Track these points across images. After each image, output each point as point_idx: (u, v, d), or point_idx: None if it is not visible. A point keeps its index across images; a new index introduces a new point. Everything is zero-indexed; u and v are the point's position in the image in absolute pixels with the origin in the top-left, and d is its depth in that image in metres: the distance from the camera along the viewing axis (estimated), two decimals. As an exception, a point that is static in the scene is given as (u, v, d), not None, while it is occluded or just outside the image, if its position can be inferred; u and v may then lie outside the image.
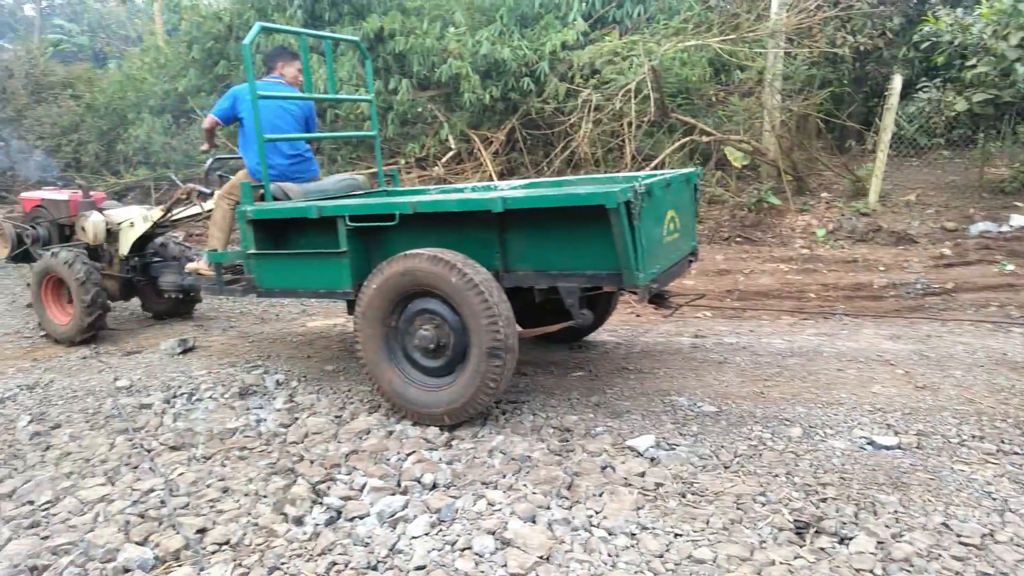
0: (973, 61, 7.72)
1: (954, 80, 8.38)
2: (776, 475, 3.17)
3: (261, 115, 4.43)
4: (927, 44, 8.36)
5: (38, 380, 4.91)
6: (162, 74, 11.99)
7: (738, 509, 2.90)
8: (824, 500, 2.94)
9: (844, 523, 2.75)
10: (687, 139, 8.47)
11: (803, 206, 8.42)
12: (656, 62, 8.01)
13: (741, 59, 8.82)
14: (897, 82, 8.00)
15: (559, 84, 9.09)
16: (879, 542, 2.62)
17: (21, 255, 6.46)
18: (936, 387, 4.20)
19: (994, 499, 2.91)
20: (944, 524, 2.73)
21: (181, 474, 3.42)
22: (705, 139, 8.49)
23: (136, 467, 3.53)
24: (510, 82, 9.41)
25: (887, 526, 2.72)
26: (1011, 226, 7.40)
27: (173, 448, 3.74)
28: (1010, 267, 6.66)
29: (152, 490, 3.26)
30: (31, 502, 3.21)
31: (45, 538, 2.90)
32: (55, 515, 3.09)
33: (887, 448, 3.40)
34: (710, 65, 9.02)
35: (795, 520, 2.79)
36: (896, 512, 2.83)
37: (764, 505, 2.92)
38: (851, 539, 2.65)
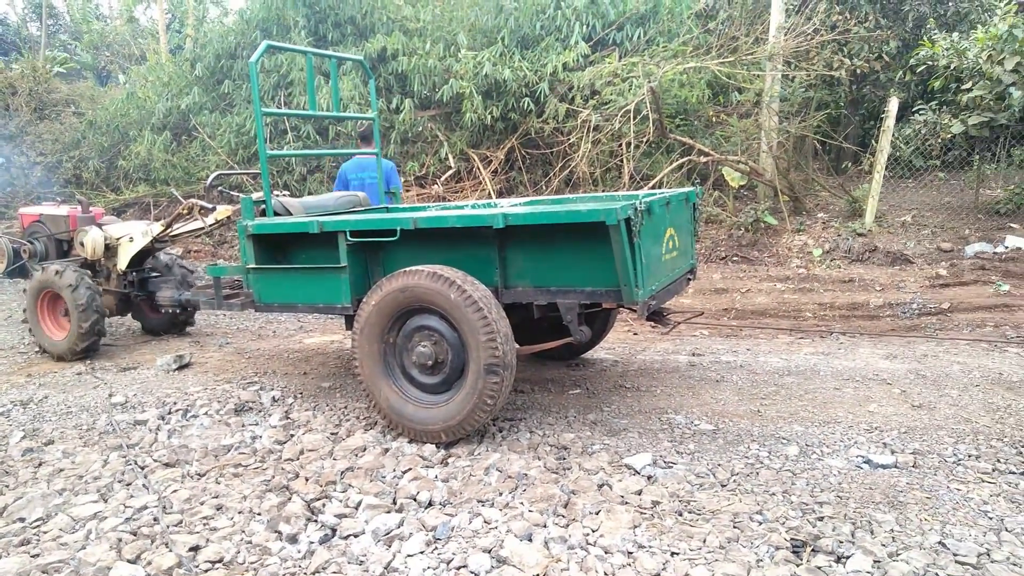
0: (969, 85, 7.82)
1: (950, 103, 8.48)
2: (773, 494, 3.16)
3: (354, 174, 6.04)
4: (923, 68, 8.47)
5: (32, 396, 4.89)
6: (165, 92, 12.07)
7: (735, 528, 2.88)
8: (821, 519, 2.92)
9: (841, 542, 2.74)
10: (685, 159, 8.53)
11: (800, 226, 8.46)
12: (655, 83, 8.08)
13: (739, 81, 8.91)
14: (893, 105, 8.08)
15: (559, 105, 9.17)
16: (876, 561, 2.60)
17: (17, 270, 6.46)
18: (932, 406, 4.20)
19: (990, 518, 2.90)
20: (941, 543, 2.72)
21: (175, 491, 3.40)
22: (703, 159, 8.55)
23: (129, 484, 3.51)
24: (510, 102, 9.49)
25: (884, 545, 2.71)
26: (1006, 247, 7.43)
27: (167, 465, 3.72)
28: (1005, 287, 6.69)
29: (145, 507, 3.24)
30: (22, 519, 3.19)
31: (35, 556, 2.87)
32: (46, 532, 3.06)
33: (884, 467, 3.39)
34: (708, 87, 9.11)
35: (792, 539, 2.78)
36: (893, 531, 2.81)
37: (761, 524, 2.91)
38: (848, 558, 2.63)
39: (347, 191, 5.84)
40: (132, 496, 3.36)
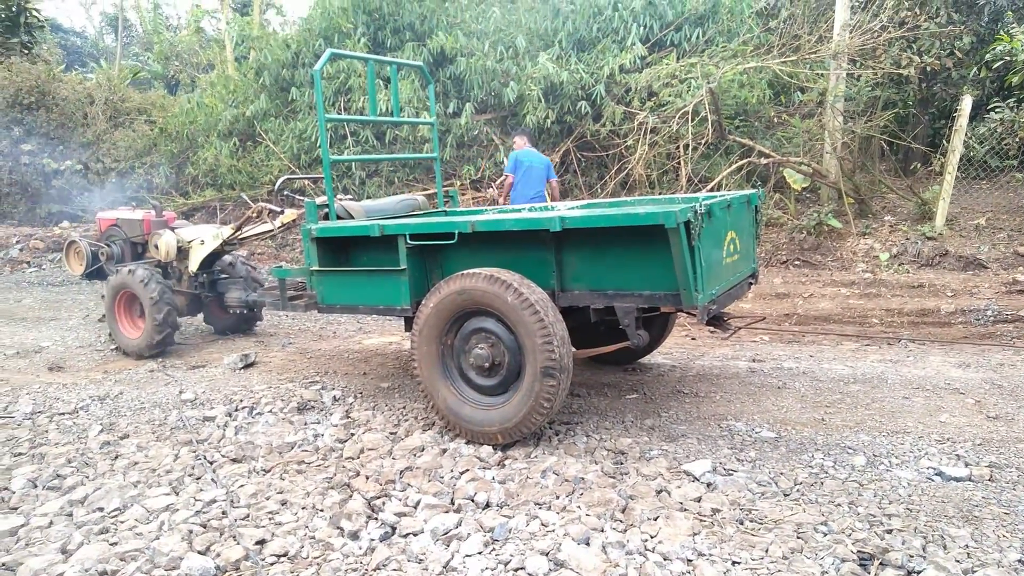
0: (1049, 80, 7.44)
1: (1028, 100, 8.09)
2: (839, 504, 3.08)
3: (525, 173, 7.21)
4: (1000, 63, 8.10)
5: (108, 392, 5.12)
6: (231, 99, 12.48)
7: (798, 538, 2.81)
8: (890, 531, 2.83)
9: (911, 556, 2.65)
10: (744, 161, 8.37)
11: (865, 229, 8.19)
12: (714, 84, 7.95)
13: (802, 80, 8.70)
14: (967, 103, 7.76)
15: (615, 107, 9.12)
16: (950, 578, 2.51)
17: (95, 272, 6.76)
18: (1010, 418, 4.01)
19: (1075, 537, 2.76)
20: (1020, 561, 2.60)
21: (242, 486, 3.51)
22: (763, 161, 8.37)
23: (199, 478, 3.64)
24: (566, 105, 9.48)
25: (958, 561, 2.61)
26: (1091, 251, 7.05)
27: (234, 460, 3.84)
28: (1090, 294, 6.34)
29: (214, 501, 3.36)
30: (101, 509, 3.34)
31: (114, 544, 3.01)
32: (123, 522, 3.20)
33: (957, 480, 3.26)
34: (769, 87, 8.92)
35: (859, 551, 2.70)
36: (967, 546, 2.70)
37: (826, 535, 2.83)
38: (919, 573, 2.54)
39: (514, 173, 7.34)
40: (202, 490, 3.49)
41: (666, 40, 9.95)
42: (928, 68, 8.59)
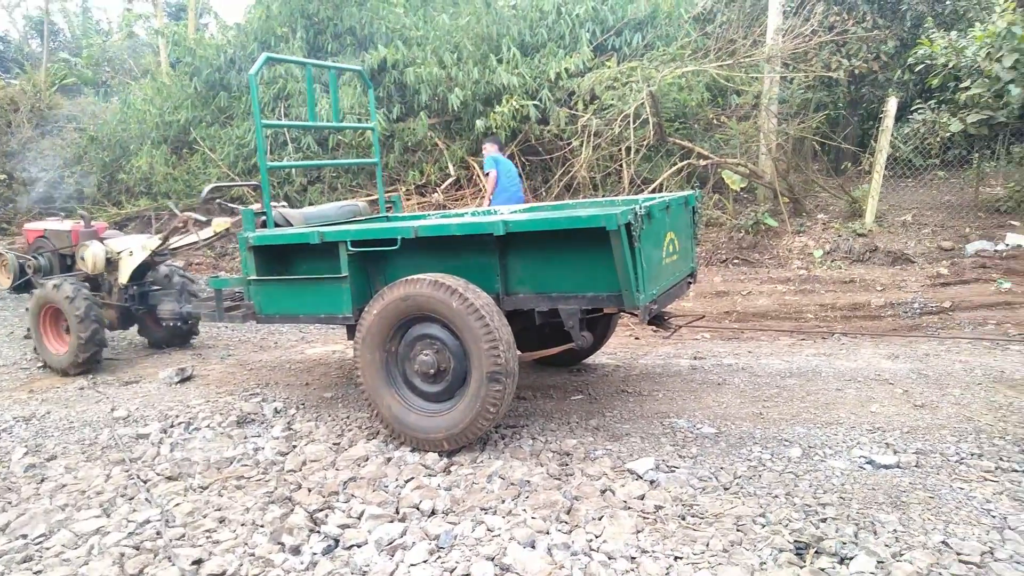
0: (967, 83, 7.80)
1: (948, 102, 8.45)
2: (776, 496, 3.15)
3: (505, 172, 7.52)
4: (922, 67, 8.45)
5: (34, 411, 4.90)
6: (164, 106, 12.12)
7: (738, 531, 2.88)
8: (824, 520, 2.91)
9: (844, 543, 2.73)
10: (685, 163, 8.54)
11: (800, 227, 8.45)
12: (654, 87, 8.09)
13: (738, 84, 8.93)
14: (892, 104, 8.08)
15: (560, 111, 9.19)
16: (879, 562, 2.59)
17: (23, 285, 6.48)
18: (935, 405, 4.19)
19: (993, 517, 2.89)
20: (944, 543, 2.71)
21: (178, 505, 3.40)
22: (702, 162, 8.55)
23: (132, 498, 3.51)
24: (516, 113, 9.48)
25: (887, 545, 2.70)
26: (1007, 244, 7.42)
27: (170, 478, 3.72)
28: (1007, 285, 6.67)
29: (148, 521, 3.24)
30: (24, 536, 3.18)
31: (38, 573, 2.87)
32: (49, 549, 3.06)
33: (886, 467, 3.38)
34: (707, 90, 9.13)
35: (795, 541, 2.77)
36: (896, 531, 2.80)
37: (764, 526, 2.90)
38: (851, 559, 2.62)
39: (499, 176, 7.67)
40: (135, 510, 3.36)
41: (608, 44, 10.08)
42: (856, 71, 8.92)
